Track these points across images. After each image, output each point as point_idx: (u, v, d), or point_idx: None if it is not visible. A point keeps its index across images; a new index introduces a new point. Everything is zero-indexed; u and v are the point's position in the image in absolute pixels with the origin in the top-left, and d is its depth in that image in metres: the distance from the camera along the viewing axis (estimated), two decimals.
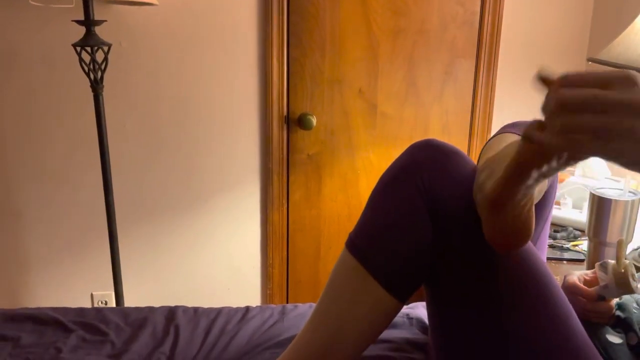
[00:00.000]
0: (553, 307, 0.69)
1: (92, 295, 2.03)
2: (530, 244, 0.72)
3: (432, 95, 2.04)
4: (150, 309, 1.15)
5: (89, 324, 1.08)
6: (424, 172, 0.71)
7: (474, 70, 2.03)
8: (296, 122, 1.99)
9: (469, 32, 1.99)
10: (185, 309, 1.16)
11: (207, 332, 1.08)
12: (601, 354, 0.83)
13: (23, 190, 1.89)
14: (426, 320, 1.13)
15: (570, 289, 0.89)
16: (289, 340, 1.06)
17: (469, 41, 1.99)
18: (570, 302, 0.86)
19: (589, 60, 1.38)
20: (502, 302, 0.68)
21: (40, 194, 1.90)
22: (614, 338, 0.86)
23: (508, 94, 2.07)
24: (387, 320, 0.76)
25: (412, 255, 0.71)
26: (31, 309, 1.13)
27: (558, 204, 1.74)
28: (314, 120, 1.97)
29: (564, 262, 1.46)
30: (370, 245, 0.73)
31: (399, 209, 0.71)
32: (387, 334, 1.09)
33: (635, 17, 1.36)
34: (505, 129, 0.81)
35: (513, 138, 0.75)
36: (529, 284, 0.69)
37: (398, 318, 1.15)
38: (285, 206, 2.06)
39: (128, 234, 1.96)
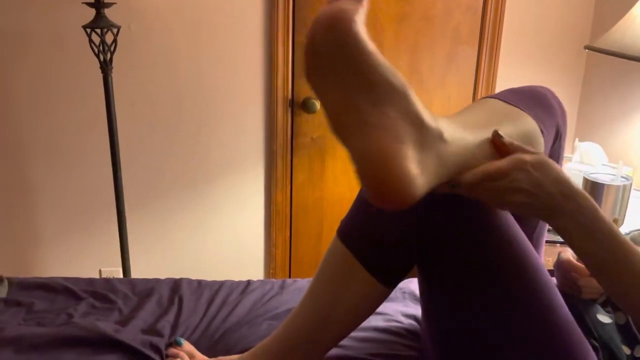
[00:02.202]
0: (534, 284, 0.72)
1: (100, 271, 2.09)
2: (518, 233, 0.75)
3: (435, 81, 2.07)
4: (156, 281, 1.21)
5: (98, 292, 1.14)
6: None
7: (476, 56, 2.05)
8: (300, 105, 2.02)
9: (472, 18, 2.01)
10: (189, 281, 1.22)
11: (210, 303, 1.14)
12: (591, 332, 0.87)
13: (35, 168, 1.95)
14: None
15: (564, 266, 0.92)
16: (287, 312, 1.11)
17: (472, 28, 2.01)
18: (564, 278, 0.90)
19: (586, 47, 1.40)
20: (486, 277, 0.72)
21: (51, 172, 1.96)
22: (604, 318, 0.89)
23: (509, 80, 2.09)
24: (375, 305, 0.81)
25: (399, 245, 0.74)
26: (43, 278, 1.19)
27: None
28: (318, 104, 2.01)
29: (557, 244, 1.51)
30: (359, 234, 0.76)
31: None
32: (382, 307, 1.13)
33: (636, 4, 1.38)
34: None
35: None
36: (510, 261, 0.72)
37: (392, 292, 1.20)
38: (289, 188, 2.11)
39: (135, 212, 2.02)
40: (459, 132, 0.60)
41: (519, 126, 0.70)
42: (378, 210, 0.74)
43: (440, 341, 0.78)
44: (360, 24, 0.53)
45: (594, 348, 0.80)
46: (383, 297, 0.80)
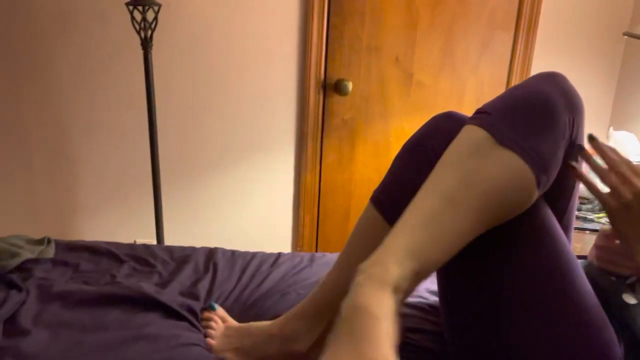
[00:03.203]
0: (558, 261, 0.74)
1: (135, 242, 2.18)
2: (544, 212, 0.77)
3: (469, 66, 2.06)
4: (193, 249, 1.27)
5: (139, 257, 1.20)
6: (438, 139, 0.80)
7: (511, 42, 2.03)
8: (333, 87, 2.05)
9: (508, 3, 1.99)
10: (223, 250, 1.27)
11: (243, 272, 1.19)
12: (615, 315, 0.88)
13: (76, 141, 2.03)
14: None
15: (606, 237, 0.92)
16: (316, 284, 1.15)
17: (509, 13, 2.00)
18: (605, 251, 0.90)
19: (624, 34, 1.39)
20: (507, 252, 0.75)
21: (92, 145, 2.04)
22: (630, 299, 0.90)
23: (545, 67, 2.07)
24: None
25: None
26: (88, 241, 1.26)
27: None
28: (350, 86, 2.03)
29: (586, 232, 1.51)
30: (390, 199, 0.83)
31: (415, 169, 0.82)
32: None
33: None
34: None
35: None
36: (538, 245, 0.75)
37: None
38: (318, 168, 2.15)
39: (170, 186, 2.09)
40: (423, 254, 0.64)
41: (502, 182, 0.66)
42: (409, 179, 0.79)
43: (454, 319, 0.82)
44: None
45: (615, 329, 0.81)
46: None
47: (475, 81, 2.08)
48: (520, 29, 2.01)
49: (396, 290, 0.61)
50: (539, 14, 1.99)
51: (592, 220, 1.56)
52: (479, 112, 0.72)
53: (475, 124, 0.70)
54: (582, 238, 1.47)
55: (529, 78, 0.78)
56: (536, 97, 0.71)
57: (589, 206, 1.62)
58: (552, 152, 0.69)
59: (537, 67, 2.07)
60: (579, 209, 1.61)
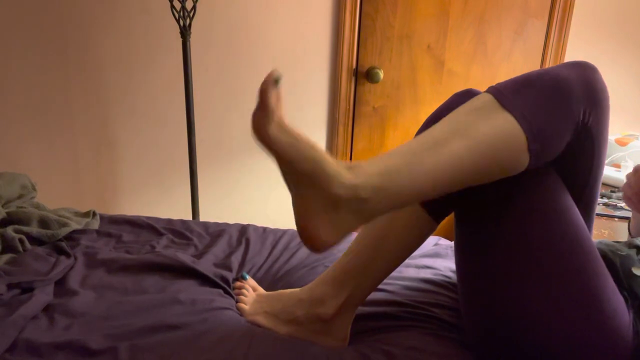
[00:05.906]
0: (571, 232, 0.77)
1: None
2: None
3: (501, 54, 2.06)
4: (226, 224, 1.33)
5: (176, 230, 1.28)
6: None
7: (545, 30, 2.02)
8: (364, 75, 2.09)
9: None
10: (255, 227, 1.33)
11: (273, 247, 1.25)
12: (623, 284, 0.89)
13: (118, 124, 2.13)
14: None
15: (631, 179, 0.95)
16: None
17: (543, 0, 1.98)
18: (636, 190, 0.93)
19: None
20: (522, 222, 0.77)
21: (132, 129, 2.14)
22: (639, 271, 0.91)
23: (579, 56, 2.05)
24: (422, 236, 0.89)
25: None
26: (129, 215, 1.34)
27: (619, 166, 1.75)
28: (381, 74, 2.06)
29: (615, 219, 1.51)
30: None
31: None
32: (433, 262, 1.21)
33: None
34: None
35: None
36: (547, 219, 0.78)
37: (442, 250, 1.26)
38: (349, 155, 2.19)
39: (206, 170, 2.17)
40: (392, 176, 0.67)
41: (485, 135, 0.69)
42: None
43: (467, 291, 0.85)
44: (275, 127, 0.68)
45: (624, 298, 0.83)
46: (428, 229, 0.87)
47: (507, 70, 2.07)
48: (554, 17, 1.99)
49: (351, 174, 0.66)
50: (574, 1, 1.97)
51: (621, 208, 1.55)
52: (492, 86, 0.75)
53: (486, 91, 0.74)
54: (611, 225, 1.47)
55: (557, 64, 0.80)
56: (550, 77, 0.73)
57: (619, 194, 1.61)
58: (553, 126, 0.71)
59: (571, 56, 2.05)
60: (609, 197, 1.61)
